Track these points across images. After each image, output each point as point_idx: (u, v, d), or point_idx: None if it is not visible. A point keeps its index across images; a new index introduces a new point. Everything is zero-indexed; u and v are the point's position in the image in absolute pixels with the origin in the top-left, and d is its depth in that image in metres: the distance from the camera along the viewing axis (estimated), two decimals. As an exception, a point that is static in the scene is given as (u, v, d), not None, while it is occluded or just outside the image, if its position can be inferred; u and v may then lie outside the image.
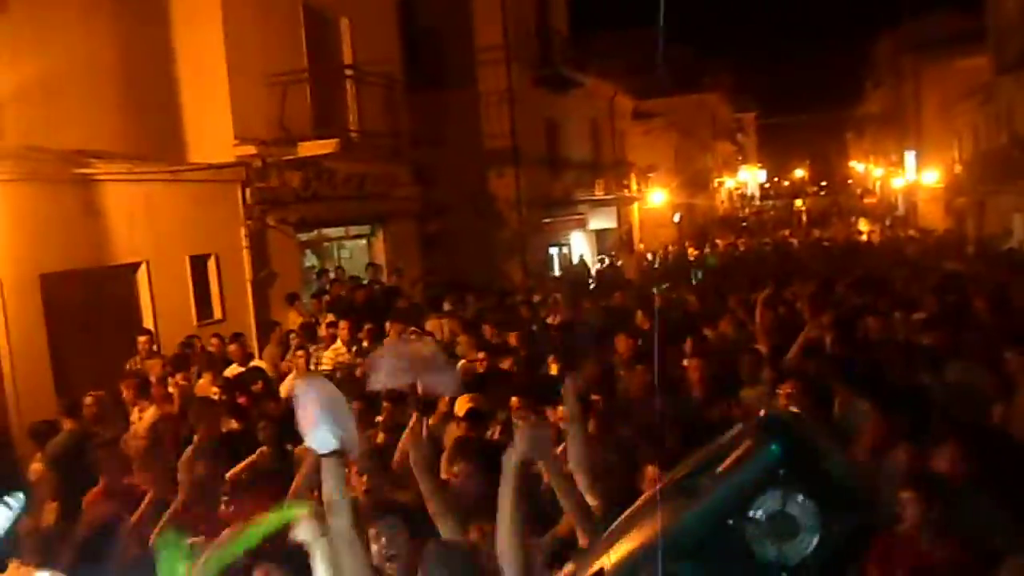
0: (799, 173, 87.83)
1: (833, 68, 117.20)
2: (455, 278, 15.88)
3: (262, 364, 9.10)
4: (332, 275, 13.70)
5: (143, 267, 11.32)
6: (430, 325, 10.19)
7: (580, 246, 25.31)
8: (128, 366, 9.08)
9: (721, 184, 52.25)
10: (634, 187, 29.74)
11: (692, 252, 26.37)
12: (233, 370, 8.69)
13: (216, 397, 7.46)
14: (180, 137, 12.45)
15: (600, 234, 26.67)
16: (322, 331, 10.12)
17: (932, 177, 34.11)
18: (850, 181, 70.33)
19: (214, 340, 9.66)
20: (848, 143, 70.37)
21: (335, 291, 12.72)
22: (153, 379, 8.30)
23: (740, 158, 58.76)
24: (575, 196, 24.16)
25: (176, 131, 12.41)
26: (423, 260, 16.94)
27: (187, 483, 4.55)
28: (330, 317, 10.69)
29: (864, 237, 31.62)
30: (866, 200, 52.89)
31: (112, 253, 10.85)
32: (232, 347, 9.21)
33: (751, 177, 64.55)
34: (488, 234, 18.94)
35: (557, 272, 19.85)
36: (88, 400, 7.38)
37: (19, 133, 9.99)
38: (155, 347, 9.85)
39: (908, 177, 37.70)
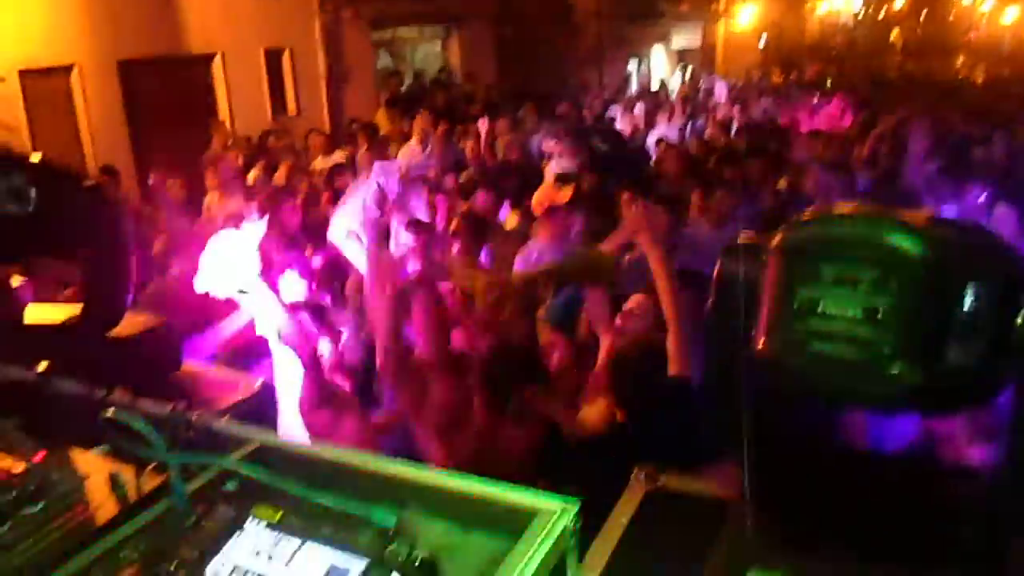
0: (898, 3, 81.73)
1: None
2: (529, 87, 15.36)
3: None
4: (406, 78, 13.36)
5: (218, 58, 11.19)
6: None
7: (660, 64, 24.22)
8: (206, 155, 9.09)
9: (813, 10, 48.94)
10: (721, 3, 28.01)
11: (777, 79, 25.04)
12: (319, 163, 8.68)
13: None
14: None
15: (682, 53, 25.42)
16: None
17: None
18: (951, 16, 65.33)
19: (314, 135, 9.59)
20: (956, -30, 64.76)
21: (409, 94, 12.45)
22: (232, 169, 8.32)
23: (836, -20, 54.64)
24: (659, 8, 22.86)
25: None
26: (498, 67, 16.38)
27: None
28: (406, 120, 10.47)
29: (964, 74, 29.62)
30: (970, 35, 49.22)
31: (188, 42, 10.71)
32: (316, 140, 9.15)
33: (845, 3, 60.29)
34: (566, 43, 18.13)
35: (634, 91, 19.05)
36: (170, 183, 7.44)
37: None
38: (230, 140, 9.84)
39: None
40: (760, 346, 1.07)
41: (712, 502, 1.38)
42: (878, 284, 0.96)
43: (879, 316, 0.97)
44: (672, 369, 2.69)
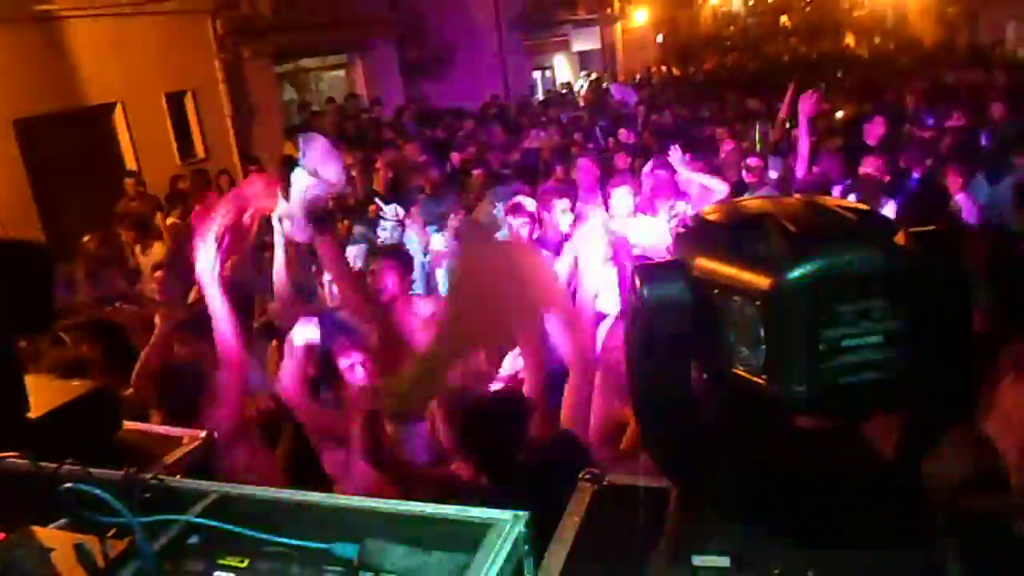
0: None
1: None
2: (437, 104, 15.44)
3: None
4: (315, 108, 13.29)
5: (119, 107, 10.96)
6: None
7: (563, 69, 24.59)
8: (118, 208, 8.91)
9: (705, 2, 50.26)
10: (616, 6, 28.58)
11: (675, 72, 25.68)
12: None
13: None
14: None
15: (584, 56, 25.87)
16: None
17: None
18: (837, -5, 67.67)
19: (224, 178, 9.45)
20: (836, -49, 67.17)
21: (319, 123, 12.36)
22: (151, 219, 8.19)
23: (724, -28, 56.19)
24: (557, 16, 23.23)
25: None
26: (404, 88, 16.43)
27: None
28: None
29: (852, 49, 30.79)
30: (854, 13, 51.17)
31: (85, 93, 10.47)
32: (227, 182, 9.04)
33: (735, -8, 61.99)
34: (468, 58, 18.28)
35: (541, 96, 19.31)
36: (89, 240, 7.25)
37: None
38: (141, 188, 9.66)
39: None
40: (778, 390, 1.07)
41: (661, 491, 1.41)
42: (889, 309, 1.02)
43: (897, 336, 1.02)
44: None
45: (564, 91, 18.12)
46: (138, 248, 7.34)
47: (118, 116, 10.99)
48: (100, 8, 10.50)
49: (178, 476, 1.67)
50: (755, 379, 1.07)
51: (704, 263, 1.13)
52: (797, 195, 1.38)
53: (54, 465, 1.36)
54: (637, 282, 1.17)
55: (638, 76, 21.85)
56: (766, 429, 1.19)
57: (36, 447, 1.65)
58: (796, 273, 1.02)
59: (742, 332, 1.08)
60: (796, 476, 1.21)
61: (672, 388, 1.19)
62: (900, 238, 1.07)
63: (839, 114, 10.49)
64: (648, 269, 1.22)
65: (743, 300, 1.07)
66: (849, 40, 38.72)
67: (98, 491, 1.15)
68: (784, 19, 62.66)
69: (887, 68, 19.03)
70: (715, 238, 1.16)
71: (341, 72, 15.89)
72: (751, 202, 1.25)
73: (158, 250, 7.47)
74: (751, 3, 68.49)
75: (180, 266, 6.73)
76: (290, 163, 9.89)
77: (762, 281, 1.04)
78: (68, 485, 1.19)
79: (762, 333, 1.05)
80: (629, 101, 13.18)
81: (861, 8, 52.90)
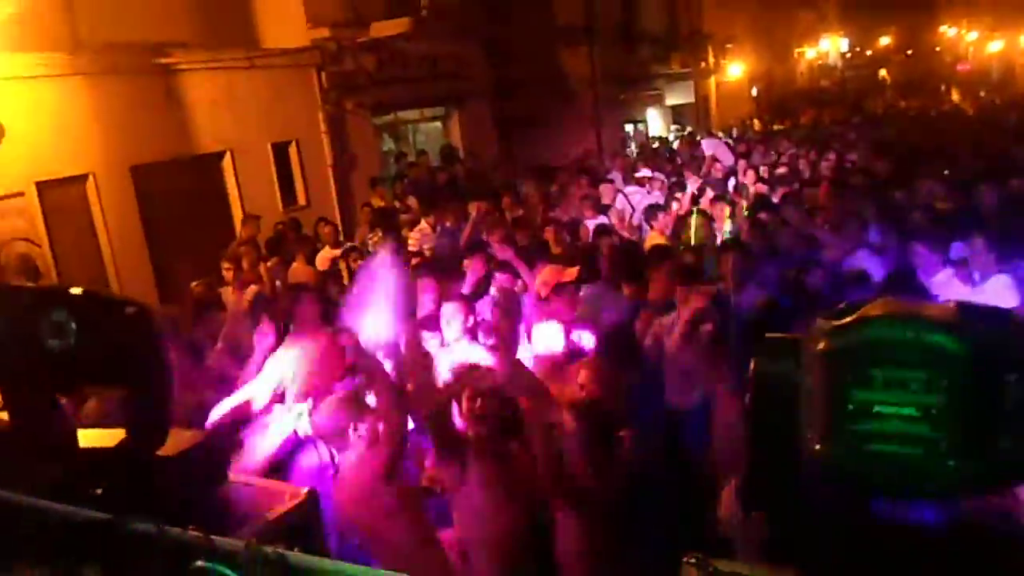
0: (884, 41, 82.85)
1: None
2: (530, 158, 15.65)
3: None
4: (411, 159, 13.64)
5: (227, 155, 11.47)
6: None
7: (656, 122, 24.63)
8: (230, 250, 9.23)
9: (801, 55, 49.79)
10: (711, 60, 28.55)
11: (775, 126, 25.41)
12: (327, 253, 8.80)
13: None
14: (254, 24, 12.35)
15: (677, 109, 25.87)
16: (408, 215, 10.16)
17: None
18: (938, 48, 66.17)
19: (322, 224, 9.72)
20: (938, 6, 65.80)
21: (413, 174, 12.70)
22: (246, 264, 8.44)
23: (821, 26, 55.62)
24: (651, 71, 23.35)
25: (250, 18, 12.30)
26: (498, 141, 16.73)
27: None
28: (413, 200, 10.70)
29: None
30: (958, 67, 49.76)
31: (198, 142, 11.01)
32: (325, 229, 9.30)
33: (832, 46, 61.31)
34: (563, 112, 18.51)
35: (633, 149, 19.36)
36: (196, 284, 7.54)
37: (95, 31, 10.00)
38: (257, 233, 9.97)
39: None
40: (816, 449, 1.11)
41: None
42: (928, 384, 1.02)
43: (933, 413, 1.01)
44: None
45: (656, 145, 18.10)
46: (230, 290, 7.55)
47: (227, 164, 11.51)
48: (214, 62, 11.08)
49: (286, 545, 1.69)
50: (808, 440, 1.10)
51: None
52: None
53: (179, 530, 1.40)
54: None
55: (734, 130, 21.68)
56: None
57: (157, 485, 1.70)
58: (840, 336, 1.07)
59: (807, 397, 1.12)
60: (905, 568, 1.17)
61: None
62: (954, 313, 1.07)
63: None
64: (764, 343, 1.26)
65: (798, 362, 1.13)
66: (953, 95, 37.65)
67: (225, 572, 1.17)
68: (883, 72, 61.42)
69: (995, 125, 18.35)
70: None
71: (438, 124, 16.31)
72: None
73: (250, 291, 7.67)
74: (848, 56, 67.37)
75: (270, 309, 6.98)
76: (372, 211, 10.24)
77: (819, 344, 1.10)
78: (199, 564, 1.21)
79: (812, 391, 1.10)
80: (723, 159, 13.00)
81: (966, 60, 51.49)
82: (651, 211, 8.70)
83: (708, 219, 8.37)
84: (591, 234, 7.90)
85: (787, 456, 1.17)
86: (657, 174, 11.87)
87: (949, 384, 1.00)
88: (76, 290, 2.27)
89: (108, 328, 2.17)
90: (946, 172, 9.77)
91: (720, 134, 20.45)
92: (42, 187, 9.37)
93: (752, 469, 1.31)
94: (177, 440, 2.41)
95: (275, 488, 2.64)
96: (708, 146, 15.17)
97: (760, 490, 1.33)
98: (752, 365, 1.25)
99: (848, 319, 1.10)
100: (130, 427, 2.33)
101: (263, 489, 2.62)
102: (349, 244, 9.00)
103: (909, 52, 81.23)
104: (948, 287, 5.57)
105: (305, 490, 2.57)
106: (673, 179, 11.42)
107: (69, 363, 2.05)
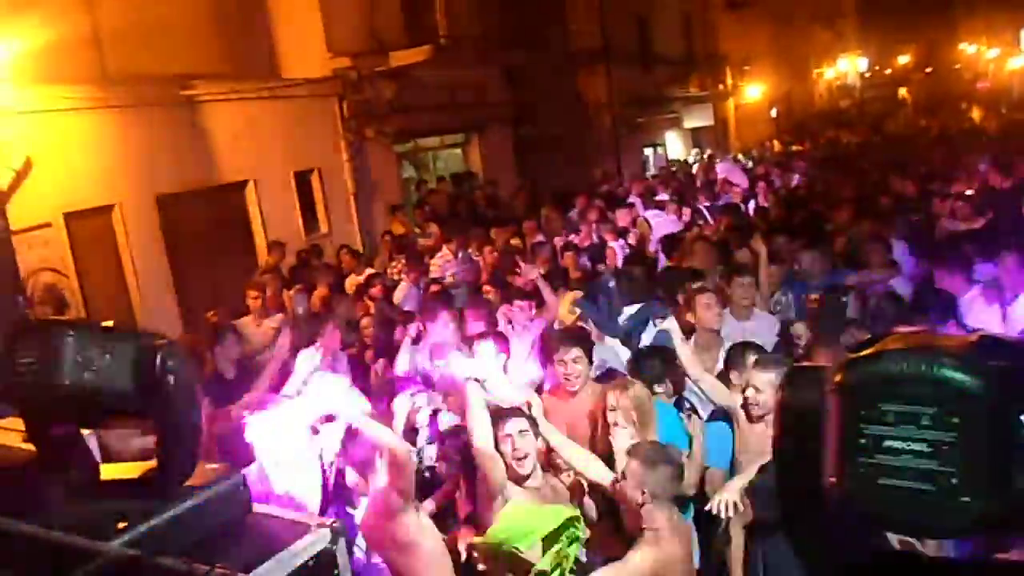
0: (903, 60, 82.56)
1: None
2: (550, 183, 15.71)
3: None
4: (431, 185, 13.73)
5: (250, 184, 11.60)
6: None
7: (675, 146, 24.66)
8: (257, 276, 9.32)
9: (820, 75, 49.76)
10: (729, 82, 28.61)
11: (795, 147, 25.36)
12: (353, 280, 8.87)
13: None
14: (276, 54, 12.53)
15: (695, 132, 25.90)
16: (428, 240, 10.23)
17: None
18: (958, 66, 65.87)
19: (344, 252, 9.82)
20: (958, 24, 65.57)
21: (433, 200, 12.78)
22: (269, 292, 8.50)
23: (839, 46, 55.58)
24: (669, 93, 23.41)
25: (271, 49, 12.49)
26: (518, 166, 16.81)
27: None
28: (433, 226, 10.76)
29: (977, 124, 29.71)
30: (978, 85, 49.50)
31: (221, 172, 11.14)
32: (347, 257, 9.38)
33: (851, 66, 61.22)
34: (582, 137, 18.59)
35: (652, 172, 19.38)
36: (212, 313, 7.61)
37: (121, 64, 10.19)
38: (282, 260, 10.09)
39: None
40: (831, 481, 1.11)
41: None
42: (939, 420, 1.00)
43: (944, 449, 1.01)
44: None
45: (674, 168, 18.12)
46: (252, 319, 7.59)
47: (249, 193, 11.63)
48: (239, 92, 11.25)
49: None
50: (831, 483, 1.09)
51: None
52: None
53: (206, 568, 1.40)
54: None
55: (754, 151, 21.66)
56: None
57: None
58: (854, 370, 1.08)
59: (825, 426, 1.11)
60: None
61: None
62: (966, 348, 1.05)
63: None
64: (790, 373, 1.28)
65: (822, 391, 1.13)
66: (974, 114, 37.43)
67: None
68: (903, 92, 61.16)
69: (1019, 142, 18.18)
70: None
71: (458, 150, 16.42)
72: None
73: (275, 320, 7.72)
74: (868, 75, 67.16)
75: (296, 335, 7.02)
76: (392, 239, 10.34)
77: (835, 376, 1.10)
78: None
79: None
80: (736, 182, 12.96)
81: (986, 78, 51.17)
82: (668, 242, 8.60)
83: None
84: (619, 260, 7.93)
85: (813, 488, 1.17)
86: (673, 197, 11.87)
87: (961, 420, 0.99)
88: (102, 323, 2.29)
89: (132, 362, 2.19)
90: (969, 192, 9.69)
91: (739, 156, 20.44)
92: (69, 218, 9.50)
93: (781, 500, 1.30)
94: (202, 472, 2.42)
95: (301, 518, 2.65)
96: (722, 170, 15.16)
97: (791, 522, 1.32)
98: (778, 396, 1.25)
99: (864, 352, 1.10)
100: (160, 461, 2.35)
101: (288, 521, 2.63)
102: (370, 271, 9.05)
103: (928, 70, 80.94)
104: (975, 307, 5.51)
105: (330, 521, 2.57)
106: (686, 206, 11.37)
107: (98, 397, 2.07)
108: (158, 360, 2.30)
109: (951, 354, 1.03)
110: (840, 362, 1.12)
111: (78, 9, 9.61)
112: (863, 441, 1.05)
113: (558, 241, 9.27)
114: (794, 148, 25.10)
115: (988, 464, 1.00)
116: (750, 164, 18.03)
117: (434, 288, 7.58)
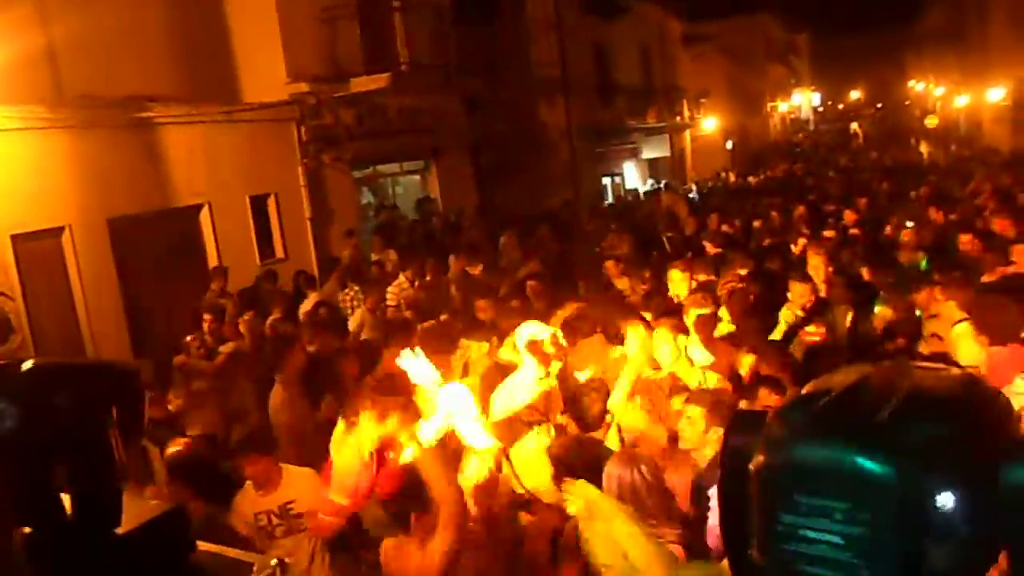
0: (854, 95, 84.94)
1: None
2: (509, 210, 15.78)
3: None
4: (384, 213, 13.72)
5: (205, 208, 11.46)
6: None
7: (632, 175, 24.96)
8: (207, 301, 9.20)
9: (774, 109, 50.86)
10: (686, 114, 29.11)
11: (749, 178, 25.82)
12: (305, 305, 8.80)
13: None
14: (234, 78, 12.47)
15: (653, 163, 26.26)
16: (387, 267, 10.20)
17: (998, 94, 32.63)
18: (908, 102, 67.84)
19: (301, 277, 9.75)
20: (906, 62, 67.65)
21: (390, 227, 12.77)
22: (227, 318, 8.41)
23: (793, 81, 56.97)
24: (627, 124, 23.74)
25: (229, 72, 12.43)
26: (477, 192, 16.86)
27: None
28: (392, 253, 10.73)
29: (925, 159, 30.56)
30: (926, 121, 50.96)
31: (174, 195, 11.00)
32: (302, 279, 9.31)
33: (804, 100, 62.69)
34: (541, 165, 18.72)
35: (610, 201, 19.59)
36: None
37: (76, 84, 10.05)
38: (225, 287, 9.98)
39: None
40: (755, 557, 1.07)
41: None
42: (850, 514, 0.97)
43: (856, 542, 0.97)
44: None
45: (631, 198, 18.35)
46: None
47: (204, 217, 11.49)
48: (194, 115, 11.15)
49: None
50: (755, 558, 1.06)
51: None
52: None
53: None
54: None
55: (710, 182, 22.02)
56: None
57: (120, 566, 1.66)
58: (771, 453, 1.05)
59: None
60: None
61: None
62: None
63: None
64: (736, 416, 1.24)
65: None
66: (923, 148, 38.46)
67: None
68: (855, 126, 62.71)
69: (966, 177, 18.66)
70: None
71: (417, 177, 16.42)
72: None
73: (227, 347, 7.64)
74: (821, 110, 68.68)
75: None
76: (344, 268, 10.27)
77: (759, 459, 1.06)
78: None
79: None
80: (680, 214, 13.26)
81: (934, 113, 52.70)
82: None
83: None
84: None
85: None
86: None
87: (872, 515, 0.95)
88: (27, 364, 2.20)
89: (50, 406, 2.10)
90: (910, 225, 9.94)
91: (692, 186, 20.73)
92: (16, 239, 9.30)
93: (725, 539, 1.27)
94: (142, 510, 2.36)
95: (244, 558, 2.60)
96: (667, 199, 15.34)
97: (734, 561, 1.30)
98: (723, 437, 1.23)
99: (779, 429, 1.06)
100: (75, 507, 2.24)
101: (233, 560, 2.58)
102: (317, 298, 8.96)
103: (879, 106, 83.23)
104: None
105: (274, 560, 2.53)
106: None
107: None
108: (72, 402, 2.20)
109: (863, 434, 0.99)
110: (762, 436, 1.08)
111: (32, 28, 9.47)
112: (780, 529, 1.02)
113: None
114: (749, 179, 25.57)
115: (903, 557, 0.96)
116: (694, 195, 18.31)
117: (391, 315, 7.54)
